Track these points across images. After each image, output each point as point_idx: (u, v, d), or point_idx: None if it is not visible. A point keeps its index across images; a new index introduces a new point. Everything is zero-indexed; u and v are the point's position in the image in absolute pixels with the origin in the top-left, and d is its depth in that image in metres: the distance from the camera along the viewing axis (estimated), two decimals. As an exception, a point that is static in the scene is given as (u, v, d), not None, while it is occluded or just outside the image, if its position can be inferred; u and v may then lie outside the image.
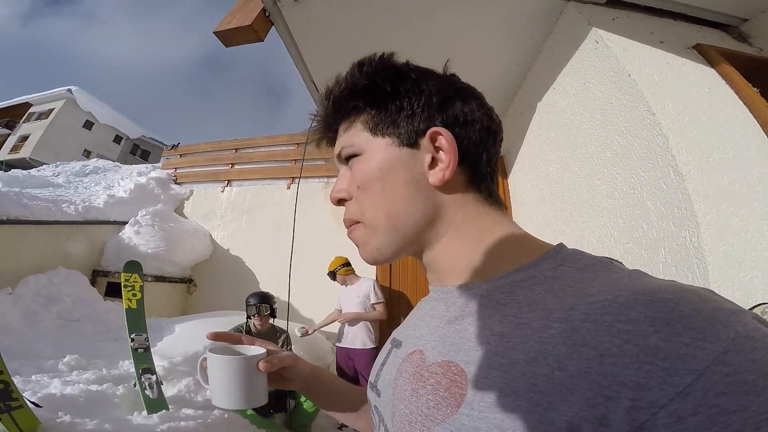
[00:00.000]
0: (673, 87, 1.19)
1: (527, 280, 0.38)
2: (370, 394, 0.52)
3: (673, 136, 1.06)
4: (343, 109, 0.49)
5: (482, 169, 0.47)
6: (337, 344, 3.48)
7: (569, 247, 0.41)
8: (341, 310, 3.51)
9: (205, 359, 0.62)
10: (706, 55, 1.32)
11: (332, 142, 0.53)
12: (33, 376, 2.66)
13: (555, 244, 0.42)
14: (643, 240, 1.13)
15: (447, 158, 0.44)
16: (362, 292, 3.39)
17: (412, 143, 0.45)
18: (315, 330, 3.65)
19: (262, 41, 1.75)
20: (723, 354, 0.24)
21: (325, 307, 5.29)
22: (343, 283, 3.57)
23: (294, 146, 6.59)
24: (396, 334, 0.54)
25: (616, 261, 0.38)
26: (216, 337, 0.64)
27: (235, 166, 6.99)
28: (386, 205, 0.45)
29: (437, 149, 0.45)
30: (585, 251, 0.39)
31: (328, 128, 0.53)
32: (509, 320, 0.35)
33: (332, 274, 3.63)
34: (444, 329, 0.42)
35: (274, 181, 6.47)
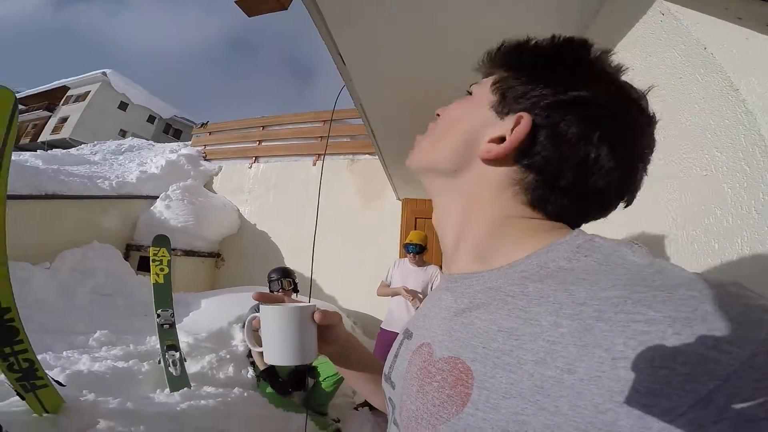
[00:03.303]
0: (756, 63, 1.01)
1: (538, 270, 0.36)
2: (385, 386, 0.52)
3: (761, 114, 0.89)
4: (498, 61, 0.48)
5: (550, 189, 0.41)
6: (386, 327, 3.13)
7: (594, 232, 0.38)
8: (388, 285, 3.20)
9: (254, 318, 0.61)
10: (789, 31, 1.12)
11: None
12: (64, 352, 2.72)
13: (573, 230, 0.39)
14: (715, 227, 0.96)
15: (507, 143, 0.41)
16: (427, 277, 3.11)
17: (501, 112, 0.44)
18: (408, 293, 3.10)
19: (286, 9, 1.63)
20: (752, 358, 0.22)
21: (348, 283, 5.32)
22: (418, 263, 3.19)
23: (320, 123, 6.52)
24: (408, 324, 0.52)
25: (638, 245, 0.34)
26: (261, 297, 0.64)
27: (263, 143, 7.04)
28: (444, 133, 0.49)
29: (511, 132, 0.42)
30: (605, 237, 0.36)
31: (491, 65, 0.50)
32: (517, 314, 0.33)
33: (420, 248, 3.13)
34: (451, 322, 0.40)
35: (301, 158, 6.47)
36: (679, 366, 0.23)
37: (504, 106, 0.44)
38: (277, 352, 0.57)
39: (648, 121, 0.43)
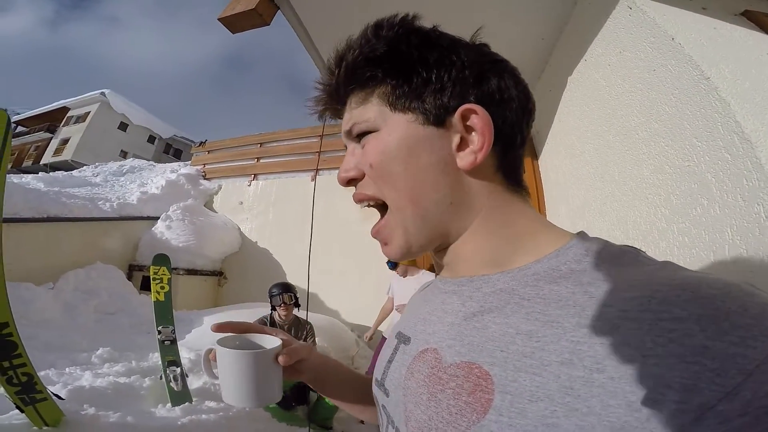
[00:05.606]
0: (725, 52, 1.03)
1: (551, 272, 0.36)
2: (377, 393, 0.49)
3: (735, 101, 0.90)
4: (357, 79, 0.43)
5: (513, 152, 0.43)
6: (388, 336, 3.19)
7: (603, 232, 0.36)
8: (393, 299, 3.24)
9: (210, 350, 0.56)
10: (758, 21, 1.15)
11: (338, 114, 0.48)
12: (67, 369, 2.74)
13: (576, 233, 0.39)
14: (703, 218, 0.97)
15: (480, 140, 0.39)
16: (421, 286, 3.13)
17: (440, 121, 0.41)
18: (373, 333, 3.44)
19: (268, 25, 1.69)
20: None
21: (351, 296, 5.28)
22: (404, 273, 3.21)
23: (317, 138, 6.58)
24: (401, 328, 0.49)
25: (641, 251, 0.35)
26: (220, 328, 0.57)
27: (261, 160, 7.09)
28: (409, 189, 0.41)
29: (468, 129, 0.40)
30: (607, 240, 0.37)
31: (337, 99, 0.47)
32: (536, 317, 0.33)
33: (392, 264, 3.22)
34: (461, 326, 0.38)
35: (299, 174, 6.50)
36: (708, 361, 0.24)
37: (437, 112, 0.40)
38: (232, 394, 0.52)
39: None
